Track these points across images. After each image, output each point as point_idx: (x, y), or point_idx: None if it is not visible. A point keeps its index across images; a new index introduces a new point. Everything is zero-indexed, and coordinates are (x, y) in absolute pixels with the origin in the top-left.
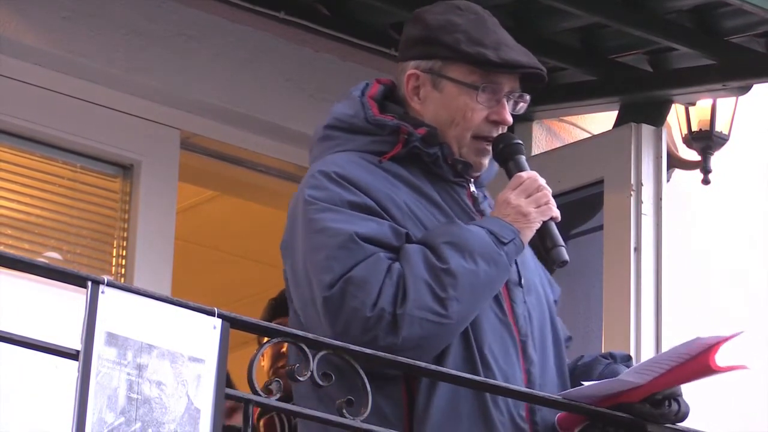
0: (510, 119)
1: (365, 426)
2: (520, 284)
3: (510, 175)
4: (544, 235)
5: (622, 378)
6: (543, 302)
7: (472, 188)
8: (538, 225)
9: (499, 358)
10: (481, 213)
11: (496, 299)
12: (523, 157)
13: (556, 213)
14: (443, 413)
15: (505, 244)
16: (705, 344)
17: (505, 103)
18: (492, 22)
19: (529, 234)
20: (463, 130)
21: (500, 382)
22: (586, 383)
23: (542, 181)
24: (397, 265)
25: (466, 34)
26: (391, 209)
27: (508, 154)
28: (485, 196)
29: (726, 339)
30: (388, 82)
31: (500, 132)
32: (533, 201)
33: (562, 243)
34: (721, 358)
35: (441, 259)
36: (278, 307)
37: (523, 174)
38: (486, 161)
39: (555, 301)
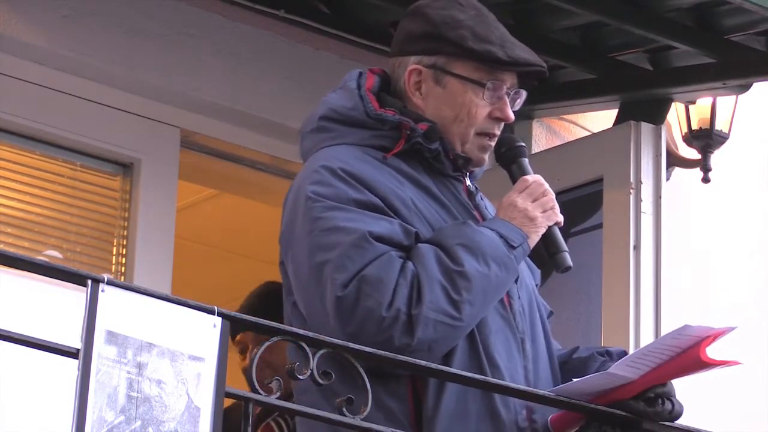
0: (512, 116)
1: (365, 424)
2: (515, 281)
3: (513, 178)
4: (548, 240)
5: (612, 372)
6: (531, 295)
7: (468, 182)
8: (544, 229)
9: (504, 356)
10: (477, 207)
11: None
12: (527, 160)
13: (560, 218)
14: (452, 413)
15: (514, 248)
16: (695, 336)
17: (507, 99)
18: (492, 18)
19: (535, 238)
20: (467, 126)
21: (499, 380)
22: (576, 380)
23: (547, 186)
24: (410, 264)
25: (471, 31)
26: (398, 207)
27: (511, 157)
28: (477, 189)
29: (717, 333)
30: (380, 72)
31: (501, 128)
32: (539, 205)
33: (566, 248)
34: (713, 351)
35: (455, 261)
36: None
37: (529, 177)
38: (487, 156)
39: (536, 285)
